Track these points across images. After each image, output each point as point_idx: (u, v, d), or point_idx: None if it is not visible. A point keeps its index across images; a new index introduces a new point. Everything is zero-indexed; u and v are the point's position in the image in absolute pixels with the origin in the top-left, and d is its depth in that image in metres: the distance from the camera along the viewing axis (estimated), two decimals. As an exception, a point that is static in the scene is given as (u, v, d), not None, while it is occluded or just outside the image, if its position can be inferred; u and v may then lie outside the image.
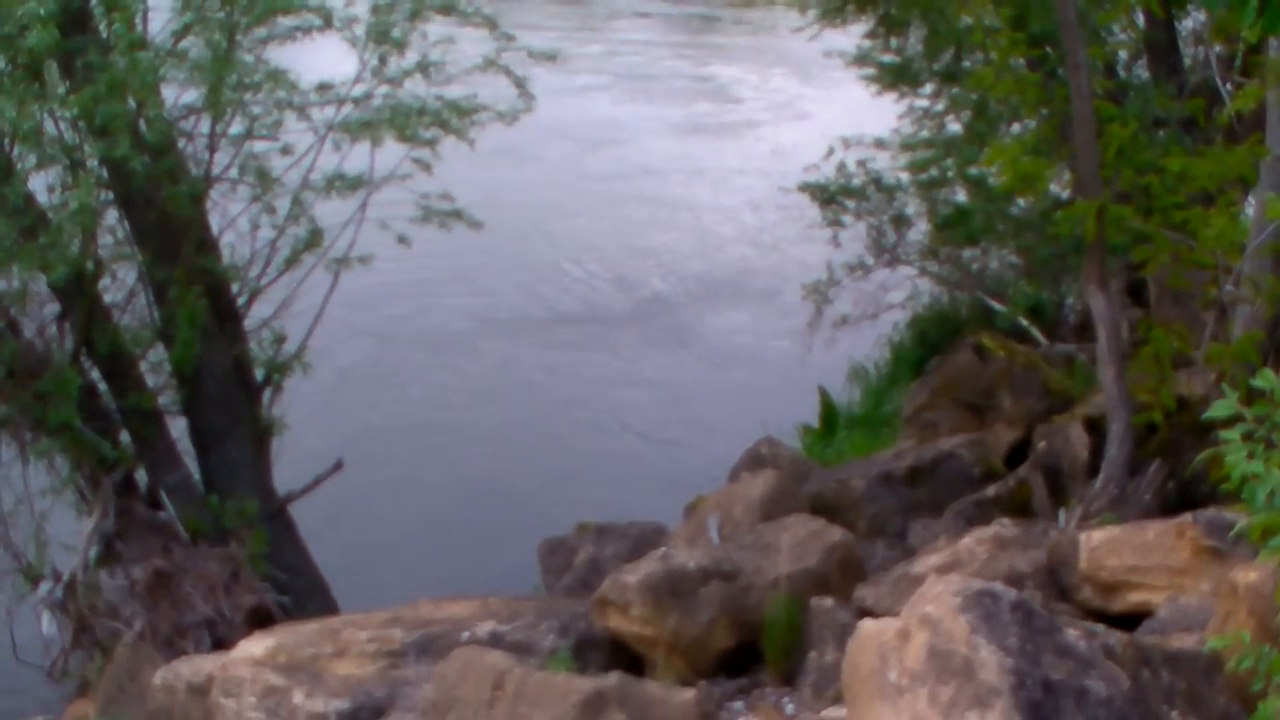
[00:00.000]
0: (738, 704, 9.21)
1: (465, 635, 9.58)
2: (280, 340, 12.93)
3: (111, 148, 10.61)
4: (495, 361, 20.49)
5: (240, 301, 12.83)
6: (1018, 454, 13.17)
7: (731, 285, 23.02)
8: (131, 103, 10.90)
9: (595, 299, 23.06)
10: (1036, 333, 14.53)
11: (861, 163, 16.54)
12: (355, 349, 19.75)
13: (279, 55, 12.07)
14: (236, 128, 12.19)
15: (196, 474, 12.57)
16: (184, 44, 11.54)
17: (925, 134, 16.90)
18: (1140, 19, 14.51)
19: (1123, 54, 15.41)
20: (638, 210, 26.05)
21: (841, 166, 16.48)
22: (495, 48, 12.66)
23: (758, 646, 9.62)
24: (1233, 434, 5.44)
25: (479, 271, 22.58)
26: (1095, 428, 11.52)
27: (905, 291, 17.35)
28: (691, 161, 28.60)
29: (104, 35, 11.31)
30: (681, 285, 23.37)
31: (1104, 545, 8.96)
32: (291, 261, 12.71)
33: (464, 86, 12.64)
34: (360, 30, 12.27)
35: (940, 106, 16.79)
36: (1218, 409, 5.45)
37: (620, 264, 24.06)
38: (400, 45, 12.31)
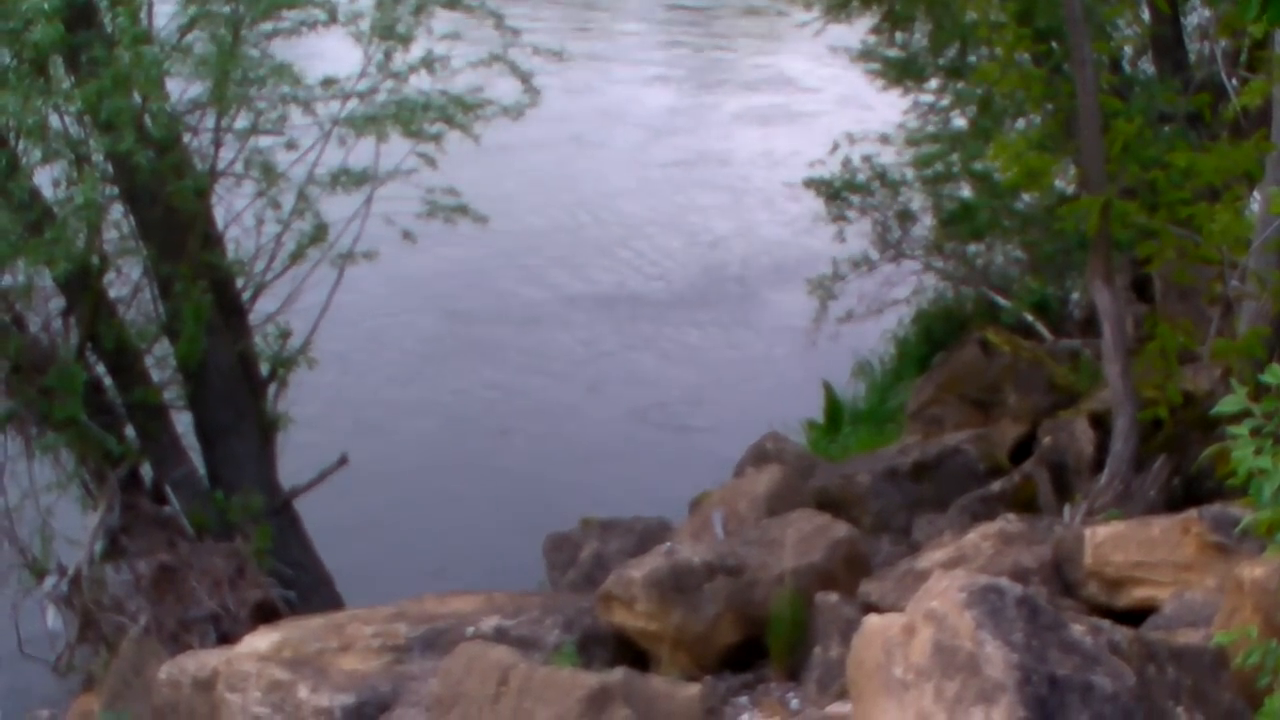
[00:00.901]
0: (742, 699, 9.21)
1: (470, 630, 9.59)
2: (285, 335, 12.93)
3: (116, 142, 10.61)
4: (530, 346, 20.62)
5: (245, 296, 12.83)
6: (1023, 449, 13.18)
7: (792, 268, 23.01)
8: (136, 98, 10.88)
9: (659, 279, 23.26)
10: (1042, 328, 14.52)
11: (866, 158, 16.54)
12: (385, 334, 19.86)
13: (284, 50, 12.06)
14: (242, 122, 12.18)
15: (202, 469, 12.57)
16: (189, 38, 11.54)
17: (930, 129, 16.89)
18: (1146, 14, 14.48)
19: (1128, 49, 15.39)
20: (702, 195, 26.24)
21: (847, 162, 16.48)
22: (502, 43, 12.64)
23: (762, 642, 9.62)
24: (1240, 429, 5.44)
25: (530, 255, 22.84)
26: (1100, 423, 11.53)
27: (910, 287, 17.35)
28: (756, 148, 28.66)
29: (109, 30, 11.30)
30: (743, 268, 23.44)
31: (1109, 541, 8.96)
32: (296, 256, 12.71)
33: (476, 80, 12.64)
34: (365, 25, 12.27)
35: (945, 101, 16.78)
36: (1226, 404, 5.45)
37: (682, 246, 24.26)
38: (405, 40, 12.30)
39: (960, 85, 16.11)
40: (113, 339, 11.94)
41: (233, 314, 12.65)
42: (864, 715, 6.74)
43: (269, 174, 12.34)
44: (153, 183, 11.50)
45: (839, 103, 28.41)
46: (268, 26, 11.88)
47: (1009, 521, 10.04)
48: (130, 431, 12.25)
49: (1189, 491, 10.37)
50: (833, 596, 9.46)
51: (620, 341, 21.01)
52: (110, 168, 11.56)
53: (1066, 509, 10.71)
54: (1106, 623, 8.31)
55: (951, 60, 16.17)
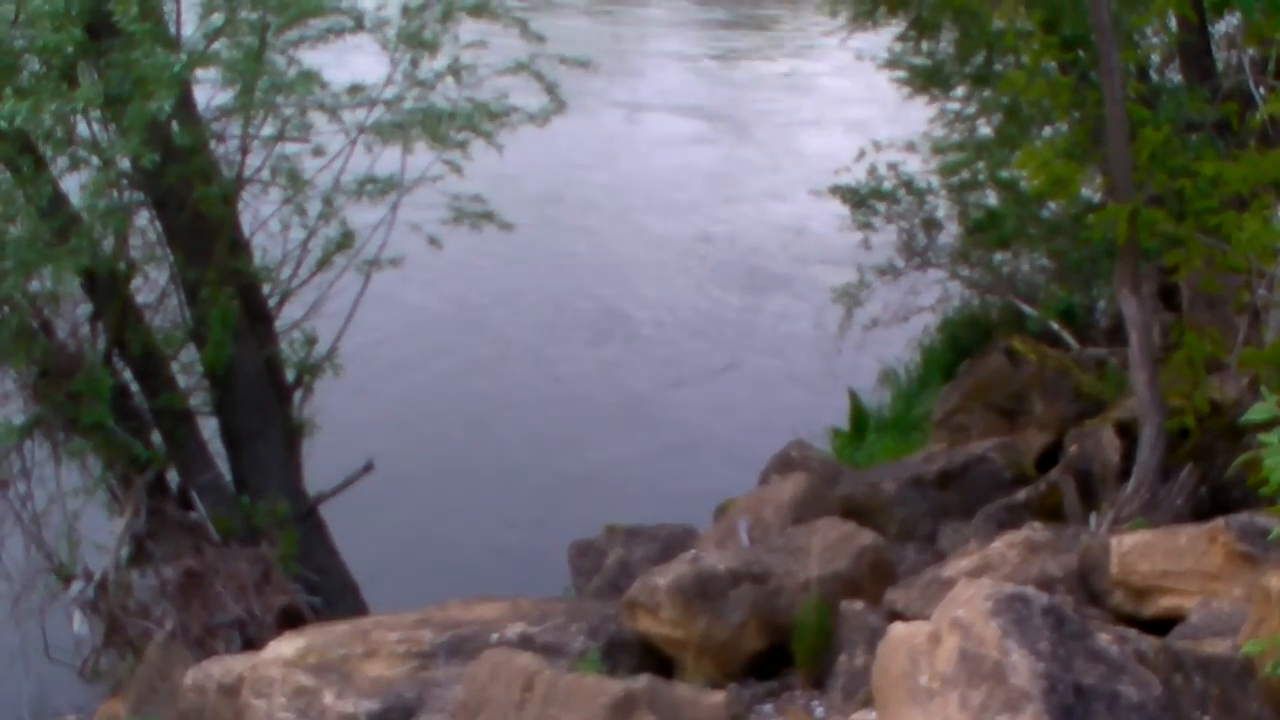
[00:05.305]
0: (767, 707, 9.20)
1: (495, 637, 9.59)
2: (311, 341, 12.97)
3: (129, 146, 10.58)
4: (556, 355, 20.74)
5: (272, 303, 12.87)
6: (1049, 458, 13.14)
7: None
8: (167, 102, 10.86)
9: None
10: (1068, 336, 14.49)
11: (893, 166, 16.52)
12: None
13: (311, 57, 12.09)
14: (268, 129, 12.22)
15: (228, 474, 12.60)
16: (216, 46, 11.56)
17: (956, 137, 16.87)
18: (1173, 22, 14.44)
19: (1155, 57, 15.35)
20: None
21: (872, 169, 16.46)
22: (529, 52, 12.64)
23: (788, 649, 9.61)
24: (1271, 437, 5.42)
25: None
26: (1127, 432, 11.48)
27: (936, 295, 17.31)
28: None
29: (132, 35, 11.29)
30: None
31: (1135, 550, 8.92)
32: (323, 263, 12.76)
33: (515, 85, 12.66)
34: (392, 33, 12.28)
35: (972, 109, 16.76)
36: (1256, 412, 5.42)
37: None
38: (431, 47, 12.32)
39: (987, 93, 16.09)
40: (140, 344, 11.98)
41: (259, 320, 12.69)
42: (889, 723, 6.73)
43: (295, 181, 12.38)
44: (180, 189, 11.53)
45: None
46: (294, 34, 11.90)
47: (1035, 530, 10.00)
48: (157, 437, 12.28)
49: (1216, 500, 10.33)
50: (858, 604, 9.44)
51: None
52: (139, 174, 11.58)
53: (1093, 518, 10.68)
54: (1133, 632, 8.27)
55: (978, 68, 16.15)
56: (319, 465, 13.14)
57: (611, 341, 21.25)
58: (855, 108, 26.07)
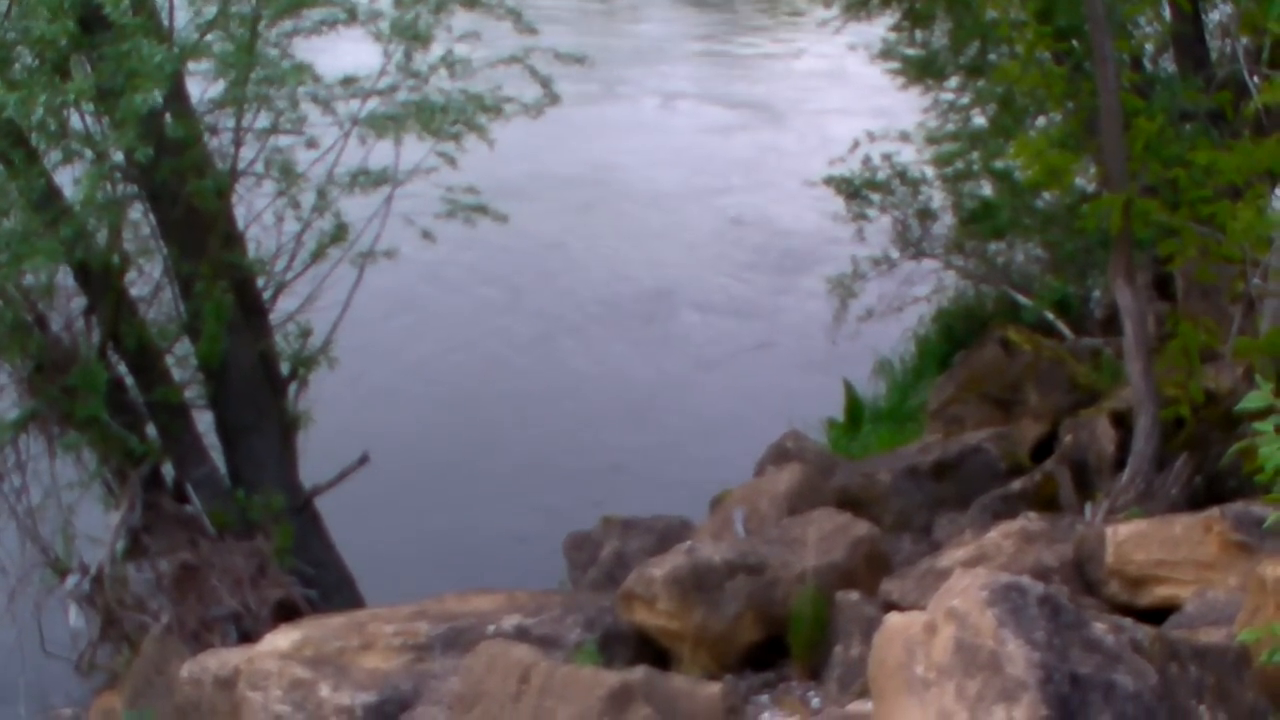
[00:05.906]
0: (763, 697, 9.21)
1: (491, 629, 9.60)
2: (306, 334, 12.96)
3: (123, 139, 10.56)
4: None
5: (266, 295, 12.85)
6: (1044, 448, 13.14)
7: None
8: (157, 96, 10.83)
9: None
10: (1063, 327, 14.49)
11: (887, 156, 16.51)
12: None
13: (305, 49, 12.06)
14: (262, 122, 12.19)
15: (223, 468, 12.59)
16: (208, 38, 11.53)
17: (951, 127, 16.86)
18: (1167, 12, 14.43)
19: (1149, 47, 15.32)
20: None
21: (866, 160, 16.46)
22: (523, 46, 12.62)
23: (784, 640, 9.62)
24: (1266, 425, 5.42)
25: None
26: (1122, 422, 11.49)
27: (930, 285, 17.31)
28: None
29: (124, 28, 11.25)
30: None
31: (1131, 539, 8.94)
32: (317, 255, 12.73)
33: (511, 75, 12.64)
34: (385, 25, 12.26)
35: (966, 100, 16.75)
36: (1251, 401, 5.42)
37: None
38: (424, 39, 12.29)
39: (981, 83, 16.07)
40: (134, 338, 11.97)
41: (254, 313, 12.66)
42: (885, 714, 6.73)
43: (289, 173, 12.35)
44: (173, 182, 11.52)
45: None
46: (288, 25, 11.88)
47: (1030, 520, 10.02)
48: (152, 430, 12.27)
49: (1211, 490, 10.34)
50: (854, 595, 9.45)
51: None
52: (132, 167, 11.56)
53: (1088, 507, 10.68)
54: (1128, 621, 8.28)
55: (972, 58, 16.14)
56: (323, 458, 13.12)
57: (636, 326, 21.24)
58: (884, 96, 26.28)
